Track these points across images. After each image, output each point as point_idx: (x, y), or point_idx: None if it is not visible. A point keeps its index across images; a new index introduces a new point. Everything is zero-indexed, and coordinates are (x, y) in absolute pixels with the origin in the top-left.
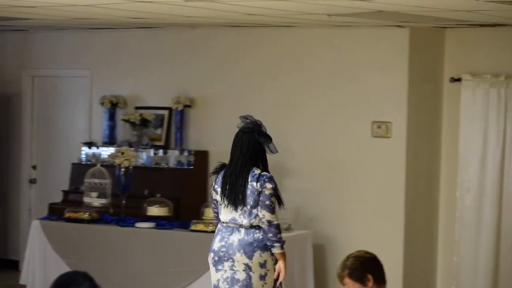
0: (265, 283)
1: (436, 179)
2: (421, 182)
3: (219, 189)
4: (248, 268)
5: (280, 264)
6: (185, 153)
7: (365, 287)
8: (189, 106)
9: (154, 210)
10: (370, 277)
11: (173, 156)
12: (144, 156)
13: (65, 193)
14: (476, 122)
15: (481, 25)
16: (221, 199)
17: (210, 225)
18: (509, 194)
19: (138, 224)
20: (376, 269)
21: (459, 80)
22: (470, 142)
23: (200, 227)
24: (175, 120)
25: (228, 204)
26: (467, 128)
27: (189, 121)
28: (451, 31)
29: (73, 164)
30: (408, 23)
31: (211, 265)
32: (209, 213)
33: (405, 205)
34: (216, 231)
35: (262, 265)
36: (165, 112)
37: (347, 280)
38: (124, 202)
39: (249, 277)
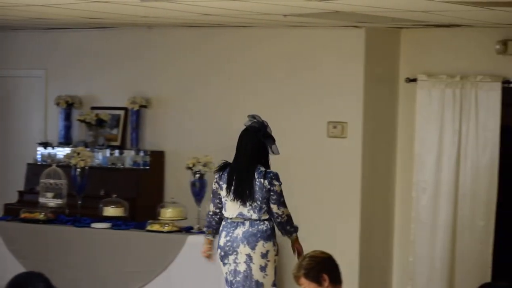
0: (266, 275)
1: (392, 179)
2: (377, 183)
3: (224, 185)
4: (249, 259)
5: (298, 245)
6: (141, 153)
7: (321, 287)
8: (145, 106)
9: (110, 211)
10: (326, 277)
11: (129, 156)
12: (100, 157)
13: (21, 193)
14: (431, 122)
15: (436, 26)
16: (227, 194)
17: (166, 225)
18: (465, 194)
19: (94, 225)
20: (332, 269)
21: (414, 80)
22: (426, 142)
23: (156, 227)
24: (131, 120)
25: (235, 198)
26: (423, 128)
27: (145, 121)
28: (407, 32)
29: (29, 164)
30: (364, 23)
31: (219, 260)
32: (164, 213)
33: (361, 205)
34: (221, 228)
35: (264, 255)
36: (121, 112)
37: (303, 280)
38: (80, 202)
39: (249, 268)
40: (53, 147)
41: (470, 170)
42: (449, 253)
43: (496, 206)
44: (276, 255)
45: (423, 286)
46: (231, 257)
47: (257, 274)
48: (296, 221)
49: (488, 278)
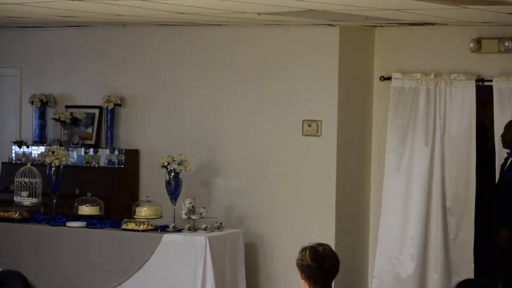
0: None
1: (367, 178)
2: (352, 180)
3: None
4: None
5: None
6: (116, 152)
7: (301, 278)
8: (119, 105)
9: (85, 209)
10: (301, 274)
11: (104, 155)
12: (75, 155)
13: None
14: (405, 121)
15: (410, 24)
16: None
17: (141, 224)
18: (438, 192)
19: (69, 223)
20: (310, 275)
21: (389, 78)
22: (399, 140)
23: (131, 226)
24: (105, 119)
25: None
26: (397, 126)
27: (120, 120)
28: (381, 30)
29: (3, 163)
30: (338, 22)
31: None
32: (140, 212)
33: (336, 203)
34: None
35: None
36: (96, 111)
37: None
38: (54, 201)
39: None
40: (27, 146)
41: (446, 169)
42: (421, 250)
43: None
44: None
45: (395, 280)
46: None
47: None
48: (271, 219)
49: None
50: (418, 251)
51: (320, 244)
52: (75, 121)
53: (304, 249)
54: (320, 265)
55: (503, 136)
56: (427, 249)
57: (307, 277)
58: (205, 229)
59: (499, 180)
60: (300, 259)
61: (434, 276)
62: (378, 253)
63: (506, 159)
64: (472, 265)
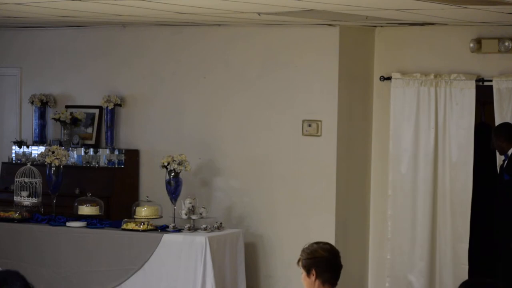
0: None
1: (367, 178)
2: (352, 181)
3: None
4: None
5: None
6: (116, 152)
7: (309, 278)
8: (119, 105)
9: (85, 209)
10: (314, 272)
11: (104, 155)
12: (75, 155)
13: None
14: (406, 121)
15: (410, 24)
16: None
17: (141, 224)
18: (441, 191)
19: (69, 223)
20: (325, 269)
21: (389, 78)
22: (400, 140)
23: (131, 226)
24: (105, 119)
25: None
26: (397, 127)
27: (120, 119)
28: (381, 30)
29: (3, 163)
30: (339, 21)
31: None
32: (140, 212)
33: (336, 204)
34: None
35: None
36: (96, 111)
37: (300, 263)
38: (54, 201)
39: None
40: (27, 146)
41: (447, 168)
42: (428, 250)
43: (472, 203)
44: None
45: (402, 283)
46: None
47: None
48: (271, 219)
49: (465, 276)
50: (427, 249)
51: (321, 242)
52: (75, 121)
53: (310, 246)
54: (334, 257)
55: (493, 144)
56: (435, 247)
57: (323, 272)
58: (205, 229)
59: (498, 181)
60: (311, 257)
61: (441, 275)
62: (390, 253)
63: (504, 161)
64: (467, 266)
